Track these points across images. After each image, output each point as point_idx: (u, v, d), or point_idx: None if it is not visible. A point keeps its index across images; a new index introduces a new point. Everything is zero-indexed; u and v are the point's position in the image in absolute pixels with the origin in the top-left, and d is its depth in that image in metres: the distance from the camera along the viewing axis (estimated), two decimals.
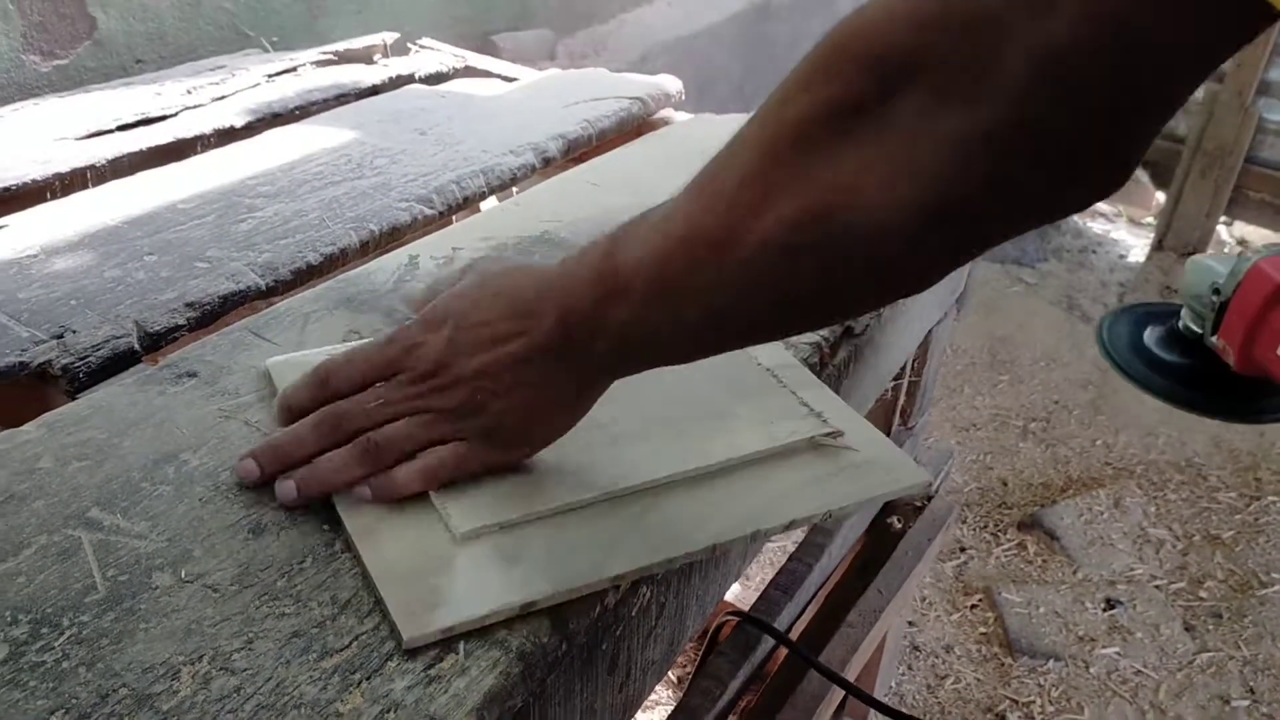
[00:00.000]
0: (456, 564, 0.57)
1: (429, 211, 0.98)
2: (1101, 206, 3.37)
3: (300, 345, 0.76)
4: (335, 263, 0.90)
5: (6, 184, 0.94)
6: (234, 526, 0.60)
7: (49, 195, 0.97)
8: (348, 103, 1.22)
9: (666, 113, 1.29)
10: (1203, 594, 1.89)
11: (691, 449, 0.66)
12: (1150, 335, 0.81)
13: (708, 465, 0.65)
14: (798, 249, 0.47)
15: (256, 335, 0.77)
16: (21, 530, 0.59)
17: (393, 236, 0.95)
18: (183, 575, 0.57)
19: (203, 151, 1.09)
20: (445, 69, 1.37)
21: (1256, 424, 0.75)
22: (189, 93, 1.17)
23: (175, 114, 1.12)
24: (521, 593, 0.56)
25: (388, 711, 0.51)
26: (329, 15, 1.60)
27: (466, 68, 1.38)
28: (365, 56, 1.34)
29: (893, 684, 1.66)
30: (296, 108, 1.18)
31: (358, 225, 0.92)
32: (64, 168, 0.98)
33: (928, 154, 0.41)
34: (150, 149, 1.05)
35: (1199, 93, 2.86)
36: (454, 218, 1.02)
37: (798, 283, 0.48)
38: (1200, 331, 0.76)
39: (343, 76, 1.27)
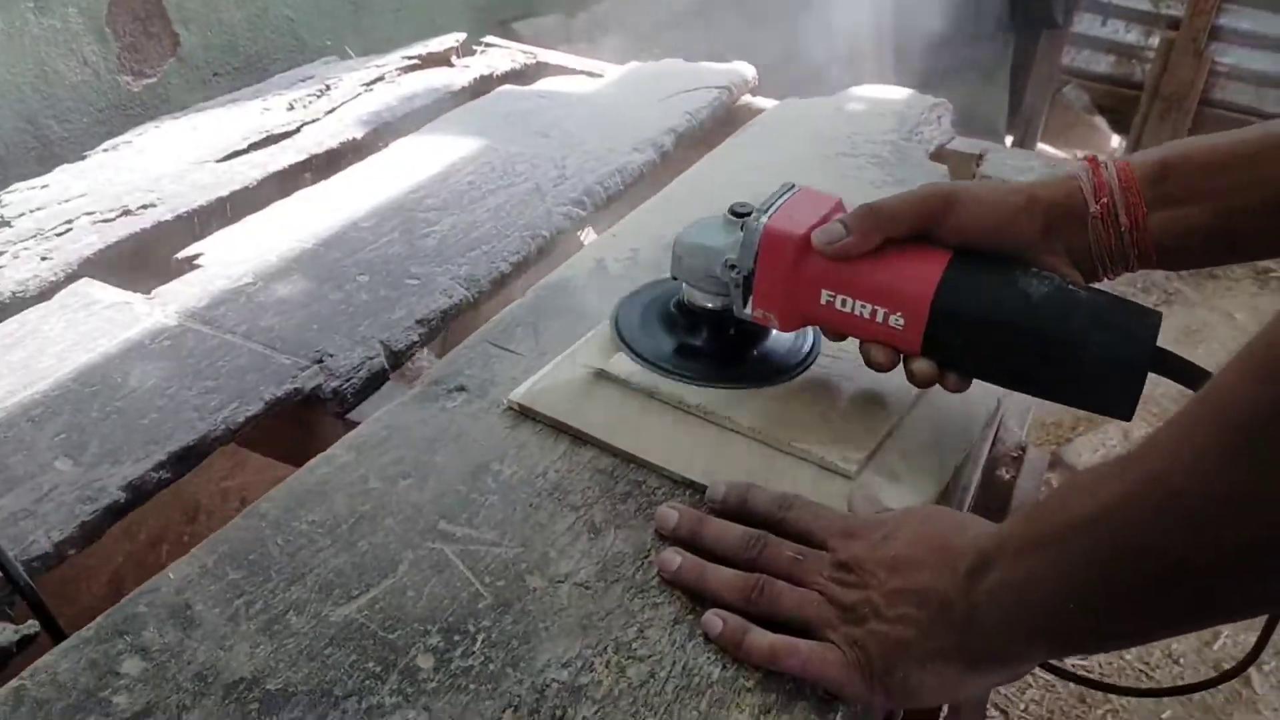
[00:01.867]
0: (881, 492, 0.69)
1: (582, 214, 1.03)
2: (1056, 151, 3.51)
3: (540, 354, 0.80)
4: (521, 269, 0.94)
5: (178, 211, 0.96)
6: (572, 529, 0.66)
7: (209, 220, 0.99)
8: (447, 107, 1.24)
9: (746, 98, 1.34)
10: None
11: None
12: (661, 317, 0.79)
13: None
14: None
15: (498, 347, 0.81)
16: (387, 548, 0.63)
17: (558, 240, 0.99)
18: (552, 576, 0.62)
19: (332, 164, 1.11)
20: (519, 65, 1.40)
21: (778, 384, 0.76)
22: (291, 108, 1.19)
23: (297, 129, 1.14)
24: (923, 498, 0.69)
25: (788, 682, 0.57)
26: (371, 14, 1.61)
27: (539, 63, 1.42)
28: (444, 59, 1.37)
29: None
30: (405, 115, 1.21)
31: (531, 233, 0.97)
32: (223, 191, 1.00)
33: None
34: (291, 165, 1.07)
35: (1155, 40, 3.00)
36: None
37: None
38: (712, 307, 0.75)
39: (433, 80, 1.30)
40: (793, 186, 0.71)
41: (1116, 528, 0.45)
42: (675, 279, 0.76)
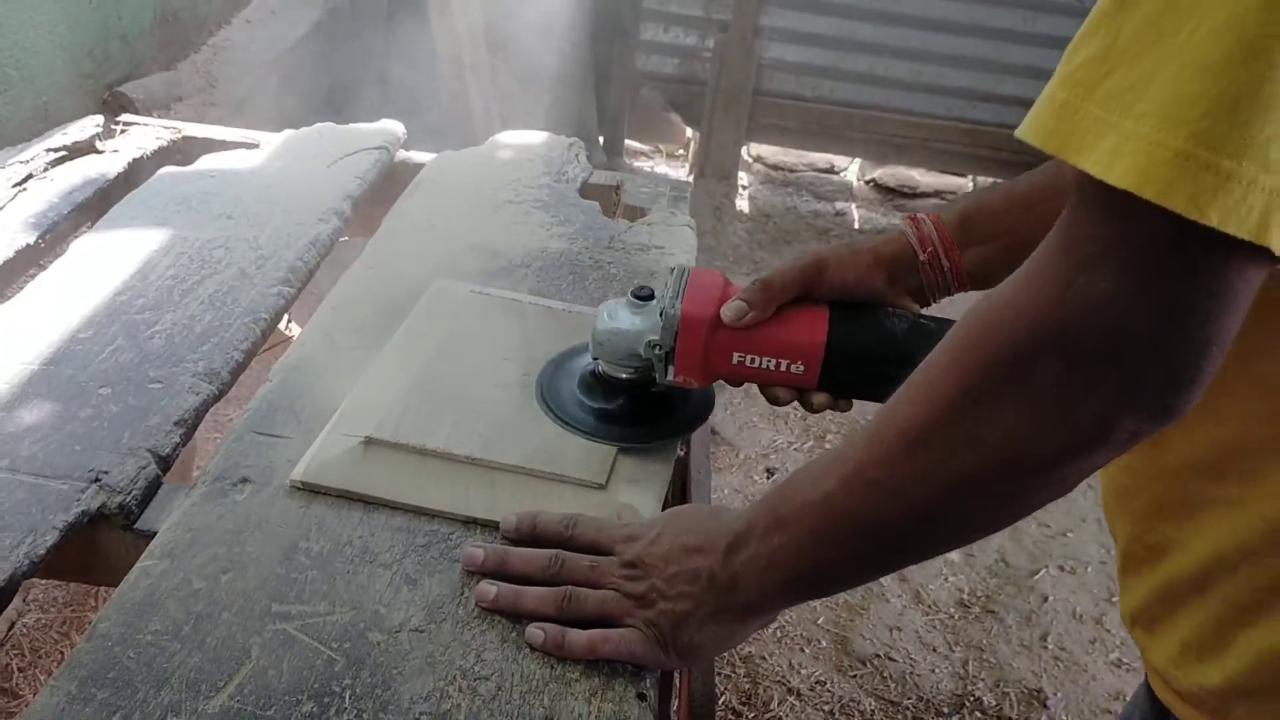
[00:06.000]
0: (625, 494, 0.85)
1: (291, 290, 1.10)
2: (641, 145, 3.86)
3: (307, 432, 0.88)
4: (251, 355, 1.01)
5: None
6: (391, 585, 0.76)
7: None
8: (113, 197, 1.25)
9: (401, 154, 1.45)
10: (827, 444, 2.41)
11: None
12: (581, 385, 0.94)
13: None
14: (963, 493, 0.59)
15: (265, 434, 0.88)
16: (234, 638, 0.71)
17: (278, 319, 1.06)
18: (389, 629, 0.73)
19: (11, 275, 1.10)
20: (165, 142, 1.41)
21: (686, 434, 0.96)
22: None
23: None
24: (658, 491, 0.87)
25: (604, 666, 0.72)
26: None
27: (185, 138, 1.43)
28: (89, 145, 1.35)
29: None
30: (70, 212, 1.20)
31: (252, 318, 1.03)
32: None
33: (1072, 407, 0.54)
34: None
35: (710, 41, 3.39)
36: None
37: (951, 514, 0.61)
38: (627, 377, 0.90)
39: (87, 170, 1.29)
40: (684, 271, 0.86)
41: (834, 507, 0.64)
42: (595, 359, 0.91)
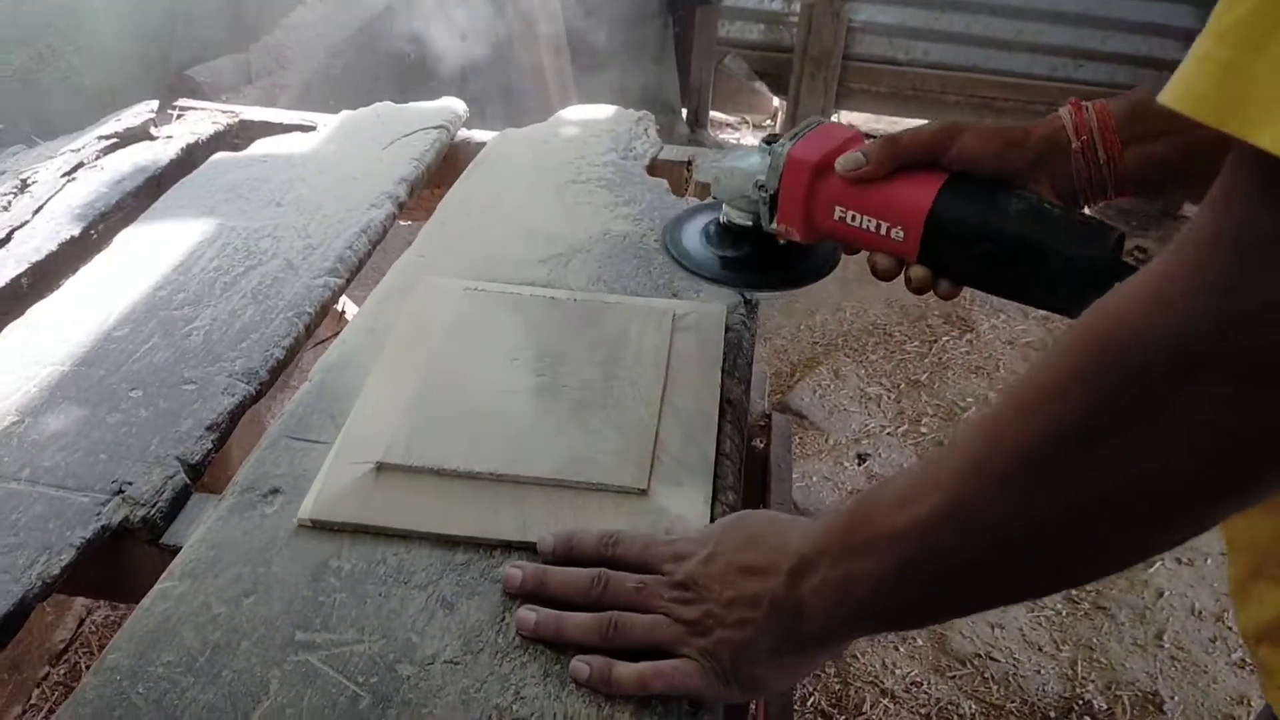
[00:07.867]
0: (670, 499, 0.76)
1: (339, 281, 1.04)
2: (726, 117, 3.75)
3: (344, 435, 0.82)
4: (293, 353, 0.95)
5: None
6: (426, 609, 0.69)
7: None
8: (162, 185, 1.21)
9: (463, 133, 1.38)
10: (923, 429, 2.29)
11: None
12: (704, 234, 0.93)
13: None
14: (1085, 534, 0.50)
15: (299, 439, 0.82)
16: (251, 672, 0.64)
17: (324, 312, 1.00)
18: (421, 661, 0.66)
19: (53, 268, 1.06)
20: (221, 127, 1.37)
21: (803, 286, 0.92)
22: None
23: (8, 235, 1.07)
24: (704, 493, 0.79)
25: (656, 705, 0.64)
26: (39, 90, 1.51)
27: (242, 122, 1.39)
28: (143, 132, 1.31)
29: None
30: (118, 201, 1.16)
31: (296, 312, 0.97)
32: None
33: (1232, 441, 0.43)
34: (13, 280, 1.01)
35: (797, 6, 3.26)
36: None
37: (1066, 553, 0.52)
38: (748, 224, 0.87)
39: (138, 158, 1.25)
40: (818, 121, 0.84)
41: (926, 540, 0.54)
42: (716, 200, 0.90)
